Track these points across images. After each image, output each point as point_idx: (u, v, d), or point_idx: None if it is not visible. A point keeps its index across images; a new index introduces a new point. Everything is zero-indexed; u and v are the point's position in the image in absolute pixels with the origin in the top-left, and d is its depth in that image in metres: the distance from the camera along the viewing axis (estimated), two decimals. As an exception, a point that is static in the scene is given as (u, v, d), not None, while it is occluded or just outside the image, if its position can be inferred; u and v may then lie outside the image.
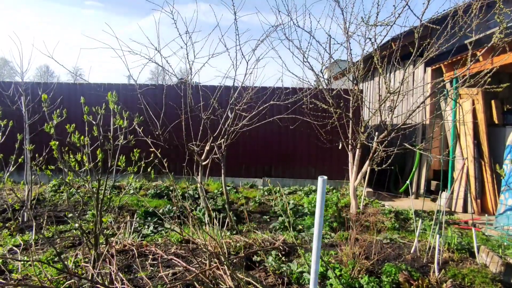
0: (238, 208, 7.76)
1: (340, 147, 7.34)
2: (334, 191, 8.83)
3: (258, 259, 5.01)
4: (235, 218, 7.15)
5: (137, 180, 9.46)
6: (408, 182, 9.08)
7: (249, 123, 6.37)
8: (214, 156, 6.62)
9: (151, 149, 5.42)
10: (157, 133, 6.17)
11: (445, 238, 5.53)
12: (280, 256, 5.11)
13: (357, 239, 5.81)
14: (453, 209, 7.94)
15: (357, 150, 7.04)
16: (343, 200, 7.88)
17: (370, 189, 8.92)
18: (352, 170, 7.19)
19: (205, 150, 6.78)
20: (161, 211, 7.22)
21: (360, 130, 6.87)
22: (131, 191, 8.59)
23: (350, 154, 7.24)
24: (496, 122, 8.17)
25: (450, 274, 4.50)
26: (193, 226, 5.53)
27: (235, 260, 4.93)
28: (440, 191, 7.51)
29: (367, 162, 6.83)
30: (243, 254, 5.06)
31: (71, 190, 8.59)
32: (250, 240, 5.66)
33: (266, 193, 8.75)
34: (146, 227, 6.61)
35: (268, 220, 7.06)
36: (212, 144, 6.57)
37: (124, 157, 4.26)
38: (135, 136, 4.86)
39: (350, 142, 7.12)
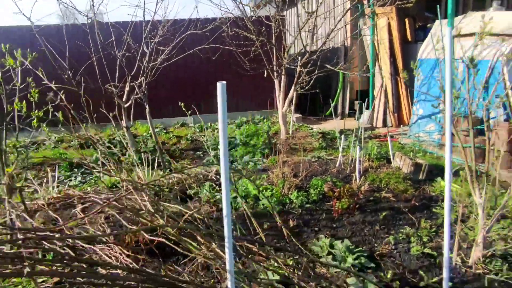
0: (170, 148, 7.62)
1: (265, 75, 7.32)
2: (265, 120, 9.01)
3: (193, 192, 5.05)
4: (168, 157, 7.04)
5: (55, 134, 8.76)
6: (333, 104, 9.50)
7: (167, 57, 6.01)
8: (137, 96, 6.26)
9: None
10: (65, 76, 5.59)
11: (366, 150, 5.98)
12: (214, 186, 5.20)
13: (286, 161, 6.07)
14: (374, 125, 8.55)
15: (282, 77, 7.09)
16: (273, 127, 8.07)
17: (299, 115, 9.23)
18: (279, 97, 7.28)
19: (125, 91, 6.37)
20: (88, 161, 6.84)
21: (284, 56, 6.85)
22: (52, 145, 7.98)
23: (276, 82, 7.28)
24: (410, 39, 8.61)
25: (369, 179, 4.94)
26: (120, 171, 5.36)
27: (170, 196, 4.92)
28: (357, 110, 7.99)
29: (293, 87, 6.94)
30: (176, 190, 5.06)
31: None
32: (184, 176, 5.65)
33: (198, 130, 8.66)
34: (73, 178, 6.28)
35: (202, 155, 7.06)
36: (131, 83, 6.16)
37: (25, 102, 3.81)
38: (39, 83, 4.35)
39: (275, 69, 7.11)
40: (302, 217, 4.08)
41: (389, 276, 2.97)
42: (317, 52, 7.05)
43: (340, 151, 5.69)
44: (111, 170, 5.81)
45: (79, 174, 6.42)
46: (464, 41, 5.83)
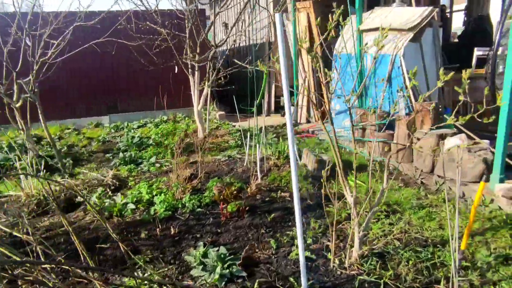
0: (79, 151, 7.02)
1: (176, 71, 6.94)
2: (187, 118, 8.63)
3: (82, 199, 4.58)
4: (73, 161, 6.46)
5: None
6: (257, 101, 9.32)
7: (71, 52, 5.43)
8: (26, 95, 5.62)
9: None
10: None
11: (276, 147, 5.81)
12: (109, 191, 4.77)
13: (196, 161, 5.75)
14: (299, 121, 8.47)
15: (196, 73, 6.75)
16: (192, 126, 7.72)
17: (223, 112, 8.95)
18: (194, 94, 6.94)
19: (15, 90, 5.71)
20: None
21: (196, 51, 6.52)
22: None
23: (190, 78, 6.92)
24: (334, 35, 8.60)
25: (271, 178, 4.75)
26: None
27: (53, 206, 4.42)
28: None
29: (206, 84, 6.63)
30: (63, 197, 4.57)
31: None
32: (78, 181, 5.16)
33: (113, 130, 8.08)
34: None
35: (111, 157, 6.55)
36: (19, 81, 5.52)
37: None
38: None
39: (189, 65, 6.75)
40: (187, 223, 3.78)
41: (256, 286, 2.75)
42: (229, 48, 6.80)
43: (247, 150, 5.46)
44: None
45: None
46: (370, 36, 5.84)
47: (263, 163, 5.15)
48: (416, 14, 5.25)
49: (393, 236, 3.44)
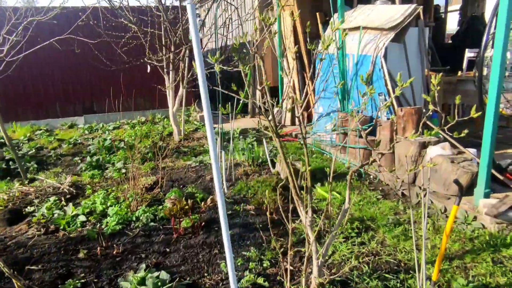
0: (47, 154, 6.64)
1: (148, 70, 6.55)
2: (166, 120, 8.23)
3: (32, 209, 4.21)
4: (38, 165, 6.08)
5: None
6: (241, 102, 8.94)
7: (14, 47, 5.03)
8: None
9: None
10: None
11: (250, 153, 5.43)
12: (63, 200, 4.39)
13: (164, 167, 5.38)
14: (283, 123, 8.09)
15: (171, 73, 6.36)
16: (169, 128, 7.33)
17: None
18: (169, 95, 6.56)
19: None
20: None
21: (170, 49, 6.14)
22: None
23: (166, 78, 6.54)
24: (320, 33, 8.23)
25: (237, 188, 4.37)
26: None
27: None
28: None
29: (181, 84, 6.24)
30: (1, 208, 4.19)
31: None
32: (32, 189, 4.78)
33: (87, 131, 7.69)
34: None
35: (79, 161, 6.17)
36: None
37: None
38: None
39: (164, 64, 6.36)
40: (135, 240, 3.40)
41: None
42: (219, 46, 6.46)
43: (217, 156, 5.06)
44: None
45: None
46: (352, 35, 5.46)
47: (232, 170, 4.77)
48: (399, 12, 4.86)
49: (362, 259, 3.07)
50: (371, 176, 4.95)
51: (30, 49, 5.12)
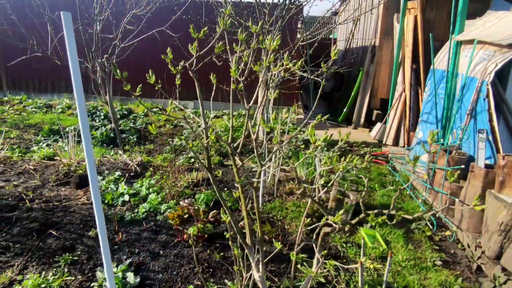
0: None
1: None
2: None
3: (100, 178, 4.79)
4: (140, 139, 6.91)
5: (69, 100, 9.37)
6: (345, 110, 8.17)
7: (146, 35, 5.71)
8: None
9: None
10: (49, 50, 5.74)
11: (314, 169, 4.94)
12: (126, 176, 4.85)
13: (227, 165, 5.38)
14: (384, 141, 7.09)
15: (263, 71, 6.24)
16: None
17: (302, 116, 8.16)
18: (259, 93, 6.47)
19: (97, 68, 6.34)
20: (67, 129, 7.11)
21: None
22: (59, 110, 8.53)
23: (260, 75, 6.46)
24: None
25: (270, 206, 4.02)
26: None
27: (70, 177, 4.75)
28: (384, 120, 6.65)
29: (270, 83, 6.07)
30: (81, 172, 4.87)
31: None
32: (111, 160, 5.43)
33: (191, 115, 8.30)
34: (41, 144, 6.54)
35: (171, 142, 6.73)
36: (102, 60, 6.07)
37: None
38: None
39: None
40: (142, 233, 3.48)
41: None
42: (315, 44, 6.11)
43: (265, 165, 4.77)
44: (61, 145, 5.89)
45: (51, 141, 6.66)
46: (467, 50, 4.32)
47: (275, 185, 4.43)
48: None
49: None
50: (448, 232, 3.89)
51: (141, 36, 5.74)
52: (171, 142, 6.73)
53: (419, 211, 4.34)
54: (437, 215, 4.07)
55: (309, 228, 3.32)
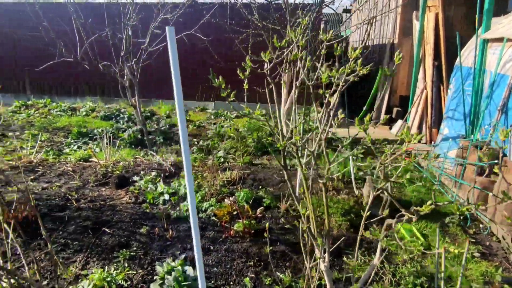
0: (175, 131, 7.64)
1: (266, 67, 6.65)
2: (282, 116, 8.34)
3: (136, 179, 4.96)
4: (165, 139, 7.09)
5: (92, 102, 9.57)
6: (365, 108, 8.28)
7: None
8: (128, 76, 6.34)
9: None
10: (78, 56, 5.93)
11: (343, 167, 5.07)
12: (162, 176, 5.02)
13: (256, 164, 5.54)
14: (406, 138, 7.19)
15: (286, 72, 6.39)
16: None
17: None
18: (283, 93, 6.62)
19: (125, 72, 6.52)
20: (95, 131, 7.31)
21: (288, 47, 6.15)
22: (84, 113, 8.73)
23: (283, 75, 6.61)
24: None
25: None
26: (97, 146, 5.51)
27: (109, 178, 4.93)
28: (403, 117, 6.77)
29: (294, 84, 6.21)
30: (118, 173, 5.04)
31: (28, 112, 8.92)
32: (144, 161, 5.61)
33: (212, 117, 8.48)
34: (72, 146, 6.74)
35: (196, 143, 6.90)
36: (131, 64, 6.25)
37: None
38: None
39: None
40: (190, 230, 3.64)
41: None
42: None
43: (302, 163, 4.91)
44: (92, 146, 6.08)
45: (81, 143, 6.86)
46: (495, 48, 4.43)
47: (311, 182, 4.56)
48: None
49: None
50: (481, 225, 4.01)
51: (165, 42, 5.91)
52: (196, 143, 6.90)
53: (451, 206, 4.47)
54: (470, 210, 4.19)
55: (368, 221, 3.45)
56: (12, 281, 2.29)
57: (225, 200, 3.79)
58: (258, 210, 3.60)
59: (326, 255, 2.26)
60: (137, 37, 6.37)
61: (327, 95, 2.20)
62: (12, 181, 4.65)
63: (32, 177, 4.98)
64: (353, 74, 2.04)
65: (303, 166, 2.35)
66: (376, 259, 2.24)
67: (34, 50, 9.46)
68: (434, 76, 6.69)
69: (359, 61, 2.06)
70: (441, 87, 6.69)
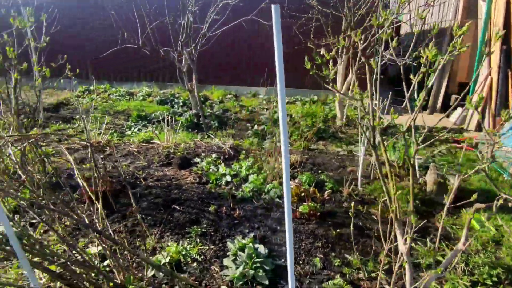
0: (229, 116, 7.80)
1: (322, 52, 6.55)
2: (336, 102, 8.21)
3: (197, 160, 5.16)
4: (220, 124, 7.26)
5: (148, 88, 9.94)
6: (420, 95, 7.97)
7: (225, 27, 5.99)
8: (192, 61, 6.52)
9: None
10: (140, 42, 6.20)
11: (404, 154, 4.95)
12: (222, 159, 5.18)
13: (312, 149, 5.56)
14: (466, 127, 6.88)
15: (343, 57, 6.30)
16: (334, 111, 7.34)
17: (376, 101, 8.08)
18: (338, 79, 6.54)
19: (184, 57, 6.73)
20: (153, 115, 7.64)
21: (346, 32, 6.07)
22: (140, 98, 9.12)
23: (338, 61, 6.52)
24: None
25: (371, 188, 4.14)
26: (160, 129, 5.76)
27: (172, 160, 5.17)
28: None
29: (351, 70, 6.13)
30: (180, 154, 5.26)
31: (90, 97, 9.46)
32: (203, 144, 5.80)
33: (264, 102, 8.53)
34: (133, 128, 7.10)
35: (250, 127, 7.02)
36: (190, 49, 6.44)
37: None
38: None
39: (340, 48, 6.35)
40: (255, 210, 3.76)
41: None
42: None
43: (361, 150, 4.87)
44: (151, 129, 6.37)
45: (141, 125, 7.20)
46: None
47: (372, 168, 4.52)
48: None
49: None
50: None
51: (229, 25, 6.01)
52: (250, 127, 7.02)
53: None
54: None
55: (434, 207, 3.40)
56: (104, 245, 2.51)
57: (291, 183, 3.85)
58: (326, 193, 3.65)
59: (408, 237, 2.27)
60: (196, 23, 6.52)
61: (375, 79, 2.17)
62: (88, 158, 5.00)
63: (102, 156, 5.33)
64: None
65: (384, 148, 2.35)
66: (461, 244, 2.21)
67: (98, 39, 10.00)
68: (501, 61, 6.29)
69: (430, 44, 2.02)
70: (509, 73, 6.29)
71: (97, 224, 2.81)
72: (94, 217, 2.83)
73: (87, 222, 2.43)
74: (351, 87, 6.42)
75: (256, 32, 8.13)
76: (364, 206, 3.75)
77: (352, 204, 2.94)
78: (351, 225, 2.98)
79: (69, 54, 4.78)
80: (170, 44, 6.59)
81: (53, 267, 2.35)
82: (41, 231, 3.29)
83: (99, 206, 2.79)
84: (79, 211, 2.67)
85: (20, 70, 3.73)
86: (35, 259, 2.39)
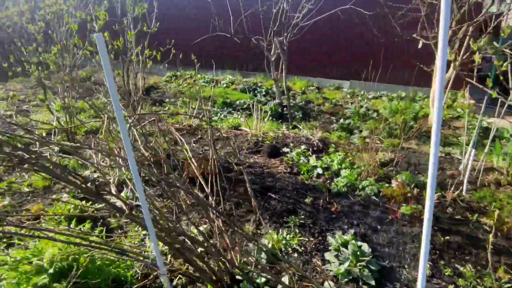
0: (312, 108, 7.71)
1: (420, 46, 6.09)
2: (426, 100, 7.65)
3: (286, 150, 5.17)
4: (301, 115, 7.21)
5: (232, 76, 10.17)
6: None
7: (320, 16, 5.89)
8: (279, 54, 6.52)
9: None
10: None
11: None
12: (310, 151, 5.13)
13: (404, 148, 5.29)
14: None
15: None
16: (425, 110, 6.86)
17: (473, 101, 7.37)
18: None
19: (273, 46, 6.75)
20: (237, 103, 7.82)
21: (450, 26, 5.62)
22: (224, 85, 9.38)
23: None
24: None
25: (479, 195, 3.80)
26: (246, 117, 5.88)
27: (260, 148, 5.25)
28: None
29: (452, 65, 5.68)
30: (268, 143, 5.32)
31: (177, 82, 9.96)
32: (291, 134, 5.80)
33: (348, 96, 8.26)
34: (219, 114, 7.34)
35: (334, 121, 6.88)
36: (282, 38, 6.43)
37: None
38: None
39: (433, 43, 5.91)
40: (352, 206, 3.67)
41: (374, 299, 2.49)
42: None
43: (467, 153, 4.49)
44: (236, 116, 6.53)
45: (226, 112, 7.42)
46: None
47: (480, 174, 4.16)
48: None
49: None
50: None
51: (324, 15, 5.89)
52: (334, 121, 6.87)
53: None
54: None
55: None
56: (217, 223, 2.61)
57: (392, 181, 3.70)
58: (436, 196, 3.43)
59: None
60: (287, 12, 6.49)
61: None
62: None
63: (194, 139, 5.58)
64: None
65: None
66: None
67: (191, 26, 10.47)
68: None
69: None
70: None
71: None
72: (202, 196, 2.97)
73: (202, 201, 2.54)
74: (449, 84, 5.95)
75: (353, 22, 7.86)
76: (474, 215, 3.46)
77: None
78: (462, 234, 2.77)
79: (160, 40, 5.02)
80: (260, 33, 6.64)
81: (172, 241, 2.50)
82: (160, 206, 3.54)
83: (207, 188, 2.91)
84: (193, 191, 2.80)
85: (135, 52, 4.01)
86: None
